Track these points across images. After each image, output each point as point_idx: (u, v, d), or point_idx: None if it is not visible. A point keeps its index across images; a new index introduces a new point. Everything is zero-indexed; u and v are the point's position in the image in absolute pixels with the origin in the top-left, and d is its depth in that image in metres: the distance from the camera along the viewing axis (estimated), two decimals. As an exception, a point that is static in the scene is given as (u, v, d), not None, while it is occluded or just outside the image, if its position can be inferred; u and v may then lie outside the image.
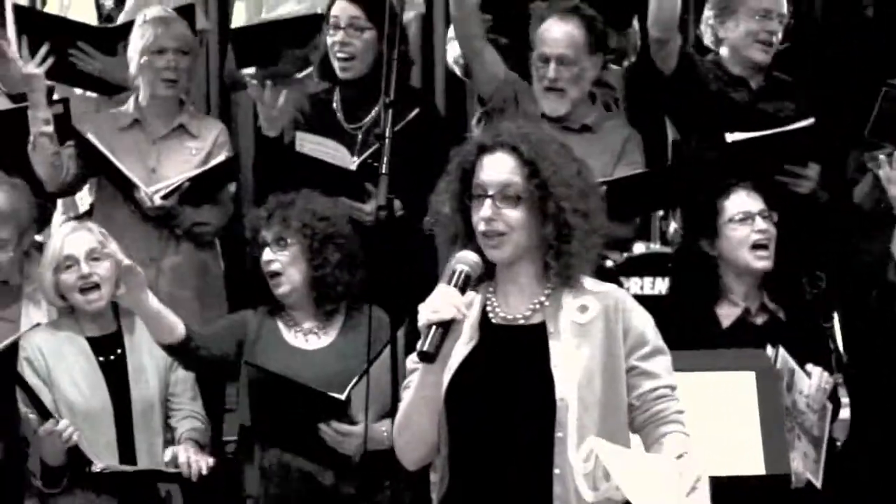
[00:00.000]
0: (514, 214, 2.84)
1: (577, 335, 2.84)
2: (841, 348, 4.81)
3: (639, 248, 5.04)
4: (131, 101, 4.80)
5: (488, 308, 2.90)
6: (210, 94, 6.08)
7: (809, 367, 4.02)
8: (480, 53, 4.62)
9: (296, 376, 3.94)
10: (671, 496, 2.70)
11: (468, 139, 2.97)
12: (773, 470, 3.81)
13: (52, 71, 4.75)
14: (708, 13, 4.74)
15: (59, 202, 5.11)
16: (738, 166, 4.38)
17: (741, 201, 4.23)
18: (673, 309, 4.18)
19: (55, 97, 4.94)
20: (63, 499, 4.10)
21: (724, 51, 4.71)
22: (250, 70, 5.15)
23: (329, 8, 4.71)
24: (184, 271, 4.72)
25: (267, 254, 4.08)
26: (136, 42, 4.71)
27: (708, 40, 4.77)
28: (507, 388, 2.83)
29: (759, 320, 4.24)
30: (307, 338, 4.12)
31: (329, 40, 4.69)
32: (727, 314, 4.23)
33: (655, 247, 5.22)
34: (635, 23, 5.04)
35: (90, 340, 4.23)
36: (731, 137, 4.43)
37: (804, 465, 3.94)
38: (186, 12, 4.96)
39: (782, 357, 3.97)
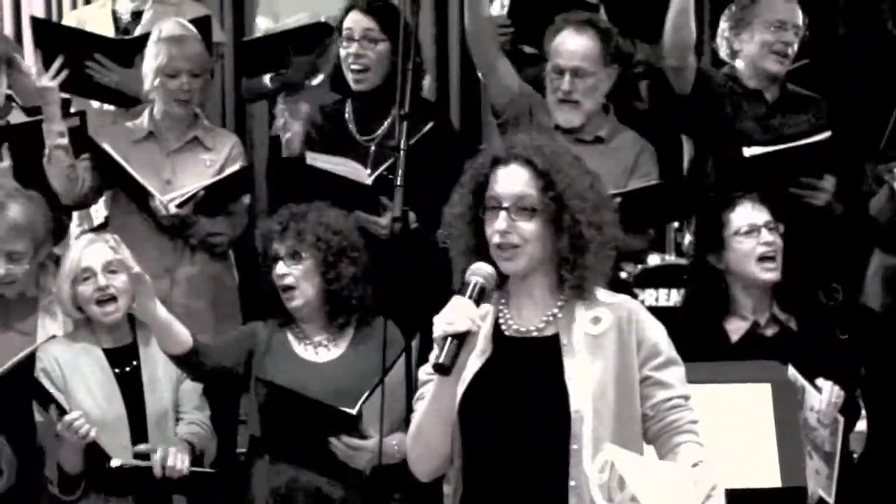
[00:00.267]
0: (529, 227, 2.84)
1: (591, 347, 2.84)
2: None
3: (653, 259, 5.05)
4: (146, 113, 4.81)
5: (500, 320, 2.90)
6: (225, 106, 6.10)
7: (820, 381, 4.01)
8: (495, 67, 4.62)
9: (305, 389, 3.94)
10: (687, 504, 2.70)
11: (481, 151, 2.97)
12: (790, 482, 3.80)
13: (69, 83, 4.76)
14: (723, 26, 4.74)
15: (75, 215, 5.13)
16: (755, 179, 4.38)
17: (747, 214, 4.22)
18: (684, 322, 4.17)
19: (72, 110, 4.96)
20: (79, 504, 4.12)
21: (739, 63, 4.71)
22: (266, 81, 5.17)
23: (342, 20, 4.72)
24: (198, 282, 4.73)
25: (280, 267, 4.07)
26: (151, 61, 4.72)
27: (724, 53, 4.77)
28: (520, 400, 2.83)
29: (770, 332, 4.22)
30: (317, 350, 4.12)
31: (342, 52, 4.69)
32: (736, 329, 4.21)
33: (670, 258, 5.23)
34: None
35: (106, 352, 4.24)
36: (749, 152, 4.43)
37: (815, 483, 3.92)
38: (203, 24, 4.98)
39: (792, 375, 3.95)
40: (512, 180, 2.86)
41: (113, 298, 4.19)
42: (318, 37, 4.95)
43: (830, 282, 4.68)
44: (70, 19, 5.55)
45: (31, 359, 4.19)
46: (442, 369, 2.73)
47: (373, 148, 4.66)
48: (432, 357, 2.76)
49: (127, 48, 5.04)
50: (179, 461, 4.04)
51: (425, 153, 4.24)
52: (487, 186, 2.88)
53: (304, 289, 4.07)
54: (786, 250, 4.22)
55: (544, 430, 2.80)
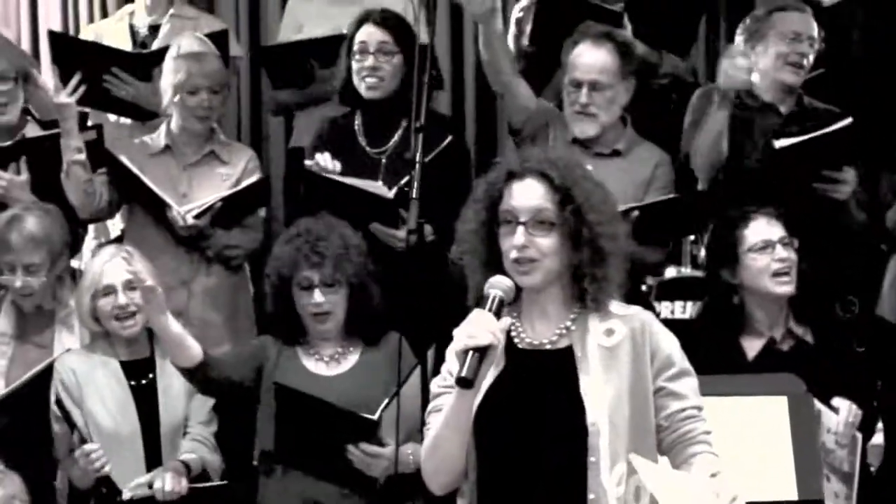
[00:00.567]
0: (547, 241, 2.84)
1: (605, 359, 2.85)
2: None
3: (669, 272, 5.04)
4: (162, 128, 4.82)
5: (513, 333, 2.89)
6: (241, 120, 6.11)
7: (837, 401, 3.98)
8: (510, 88, 4.60)
9: None
10: (709, 514, 2.70)
11: (494, 165, 2.97)
12: (807, 496, 3.78)
13: (86, 96, 4.77)
14: (738, 39, 4.73)
15: (91, 227, 5.15)
16: (781, 172, 4.35)
17: (761, 230, 4.19)
18: (700, 335, 4.16)
19: (89, 123, 4.97)
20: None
21: (755, 76, 4.69)
22: (289, 96, 5.17)
23: (353, 34, 4.71)
24: (215, 294, 4.74)
25: (317, 296, 4.06)
26: (169, 77, 4.73)
27: (741, 66, 4.76)
28: (535, 412, 2.83)
29: (786, 346, 4.20)
30: (327, 364, 4.12)
31: (355, 65, 4.69)
32: (752, 345, 4.19)
33: (686, 271, 5.21)
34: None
35: (123, 364, 4.26)
36: (779, 144, 4.42)
37: None
38: (220, 38, 4.99)
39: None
40: (528, 194, 2.86)
41: (132, 314, 4.21)
42: (339, 48, 4.95)
43: (847, 294, 4.67)
44: (87, 33, 5.57)
45: (47, 371, 4.20)
46: (465, 383, 2.72)
47: (384, 160, 4.67)
48: (444, 369, 2.77)
49: (144, 62, 5.06)
50: (176, 484, 4.04)
51: (439, 167, 4.24)
52: (501, 201, 2.88)
53: (337, 313, 4.09)
54: (801, 262, 4.21)
55: (559, 442, 2.80)
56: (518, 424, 2.83)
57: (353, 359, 4.13)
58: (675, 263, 5.17)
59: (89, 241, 5.19)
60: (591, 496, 2.77)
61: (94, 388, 4.19)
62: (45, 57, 5.56)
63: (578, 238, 2.84)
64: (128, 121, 5.22)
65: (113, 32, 5.37)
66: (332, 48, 4.88)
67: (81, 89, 4.67)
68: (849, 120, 4.45)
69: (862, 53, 5.04)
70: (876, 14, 5.04)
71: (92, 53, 5.09)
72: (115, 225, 5.09)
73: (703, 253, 5.02)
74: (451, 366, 2.86)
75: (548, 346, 2.88)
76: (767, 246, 4.18)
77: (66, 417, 4.06)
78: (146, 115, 5.07)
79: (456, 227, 2.98)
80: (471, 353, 2.71)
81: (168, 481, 4.03)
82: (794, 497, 3.78)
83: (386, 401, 3.89)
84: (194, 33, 4.99)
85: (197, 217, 4.62)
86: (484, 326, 2.73)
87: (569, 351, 2.86)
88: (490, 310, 2.77)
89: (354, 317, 4.11)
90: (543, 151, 2.98)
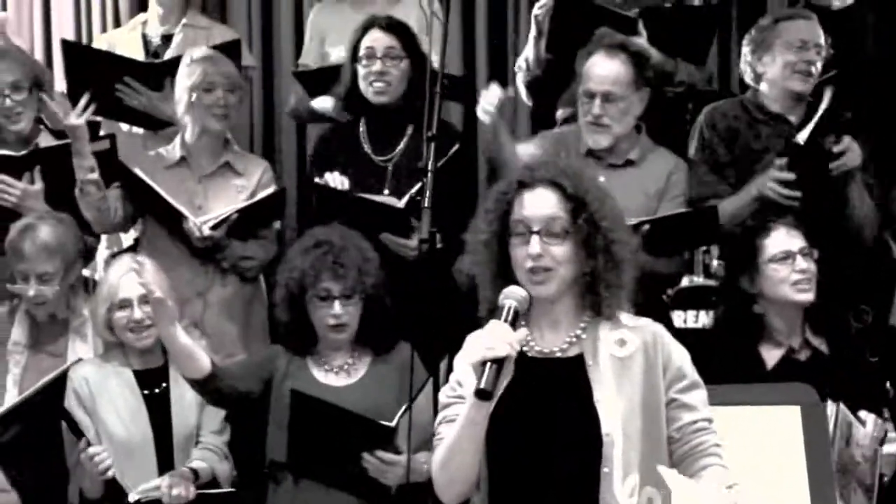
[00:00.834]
0: (561, 250, 2.84)
1: (617, 369, 2.85)
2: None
3: (682, 281, 5.02)
4: (177, 140, 4.82)
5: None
6: (253, 130, 6.11)
7: (863, 414, 3.97)
8: (511, 159, 4.49)
9: None
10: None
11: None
12: (820, 505, 3.79)
13: (98, 106, 4.76)
14: (745, 50, 4.70)
15: (104, 237, 5.15)
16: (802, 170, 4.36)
17: (781, 240, 4.19)
18: (717, 345, 4.16)
19: (101, 132, 4.97)
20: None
21: (764, 86, 4.68)
22: (326, 105, 5.10)
23: (359, 40, 4.71)
24: (230, 305, 4.74)
25: (337, 308, 4.06)
26: (184, 80, 4.74)
27: (748, 78, 4.72)
28: (547, 421, 2.83)
29: (803, 356, 4.20)
30: (337, 375, 4.12)
31: (362, 70, 4.68)
32: (771, 355, 4.19)
33: (699, 280, 5.20)
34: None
35: (137, 374, 4.26)
36: (801, 137, 4.41)
37: None
38: (232, 49, 5.00)
39: (842, 412, 3.90)
40: (540, 204, 2.87)
41: (147, 327, 4.21)
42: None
43: (860, 303, 4.67)
44: (100, 42, 5.58)
45: (60, 380, 4.20)
46: (485, 395, 2.71)
47: (390, 168, 4.66)
48: (452, 378, 2.76)
49: (157, 71, 5.07)
50: (183, 489, 4.05)
51: (450, 177, 4.24)
52: (512, 211, 2.88)
53: (352, 325, 4.10)
54: (817, 272, 4.21)
55: (572, 451, 2.81)
56: (529, 433, 2.83)
57: (362, 369, 4.14)
58: (687, 273, 5.16)
59: (102, 251, 5.20)
60: (604, 506, 2.77)
61: (107, 397, 4.20)
62: (59, 66, 5.56)
63: (592, 246, 2.85)
64: (140, 130, 5.23)
65: (126, 42, 5.38)
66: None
67: (91, 109, 4.64)
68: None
69: (872, 57, 5.04)
70: (886, 17, 5.03)
71: (104, 62, 5.09)
72: (128, 234, 5.10)
73: (715, 263, 5.02)
74: (460, 375, 2.86)
75: (558, 354, 2.89)
76: (788, 257, 4.18)
77: (72, 427, 4.06)
78: (158, 125, 5.07)
79: (465, 238, 2.98)
80: (489, 364, 2.71)
81: (174, 487, 4.04)
82: (808, 507, 3.78)
83: (403, 408, 3.89)
84: (206, 45, 5.00)
85: (213, 228, 4.62)
86: (501, 337, 2.73)
87: (579, 359, 2.87)
88: (505, 320, 2.77)
89: (366, 327, 4.12)
90: (552, 160, 2.97)
